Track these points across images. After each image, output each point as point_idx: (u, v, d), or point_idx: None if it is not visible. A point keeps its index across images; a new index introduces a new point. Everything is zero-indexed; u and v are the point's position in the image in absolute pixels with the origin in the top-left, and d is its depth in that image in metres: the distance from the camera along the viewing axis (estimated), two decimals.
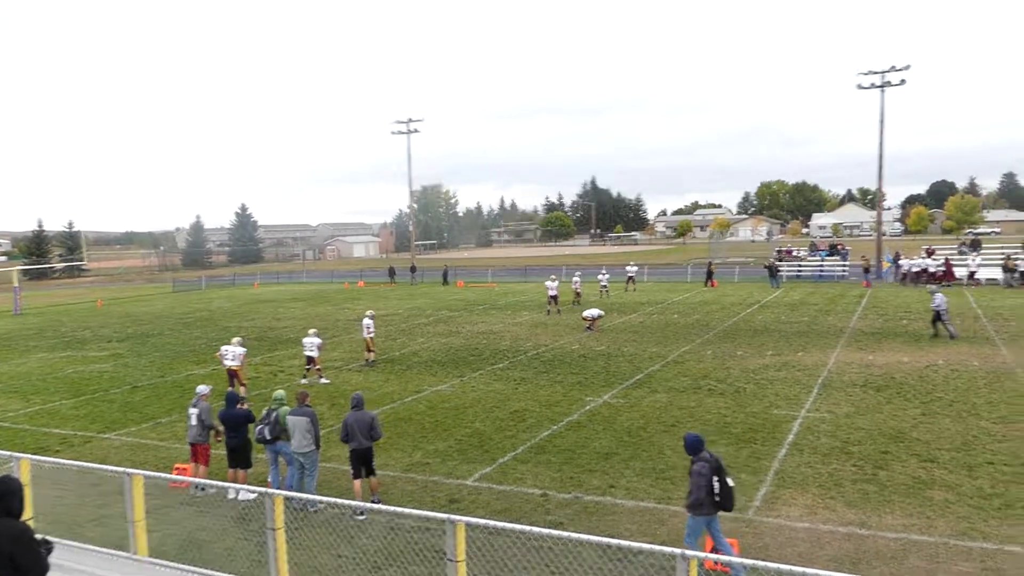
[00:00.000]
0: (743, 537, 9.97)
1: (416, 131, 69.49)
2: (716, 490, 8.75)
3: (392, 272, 65.22)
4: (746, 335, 27.56)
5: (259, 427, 12.16)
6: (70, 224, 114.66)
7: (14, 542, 5.07)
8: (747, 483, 12.12)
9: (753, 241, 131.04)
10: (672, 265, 69.32)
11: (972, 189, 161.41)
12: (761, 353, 23.73)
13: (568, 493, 11.99)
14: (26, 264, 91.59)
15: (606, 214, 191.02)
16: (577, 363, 23.04)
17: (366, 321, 24.10)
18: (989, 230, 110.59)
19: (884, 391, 18.05)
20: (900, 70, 49.37)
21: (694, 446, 9.12)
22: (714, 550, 8.86)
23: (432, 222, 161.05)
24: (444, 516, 6.77)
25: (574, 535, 6.42)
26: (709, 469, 8.79)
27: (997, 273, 44.42)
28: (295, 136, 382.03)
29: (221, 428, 12.50)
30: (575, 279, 41.47)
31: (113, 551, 8.41)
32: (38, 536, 5.31)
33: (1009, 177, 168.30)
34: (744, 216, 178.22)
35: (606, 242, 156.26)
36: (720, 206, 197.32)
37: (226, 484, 10.54)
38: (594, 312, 30.24)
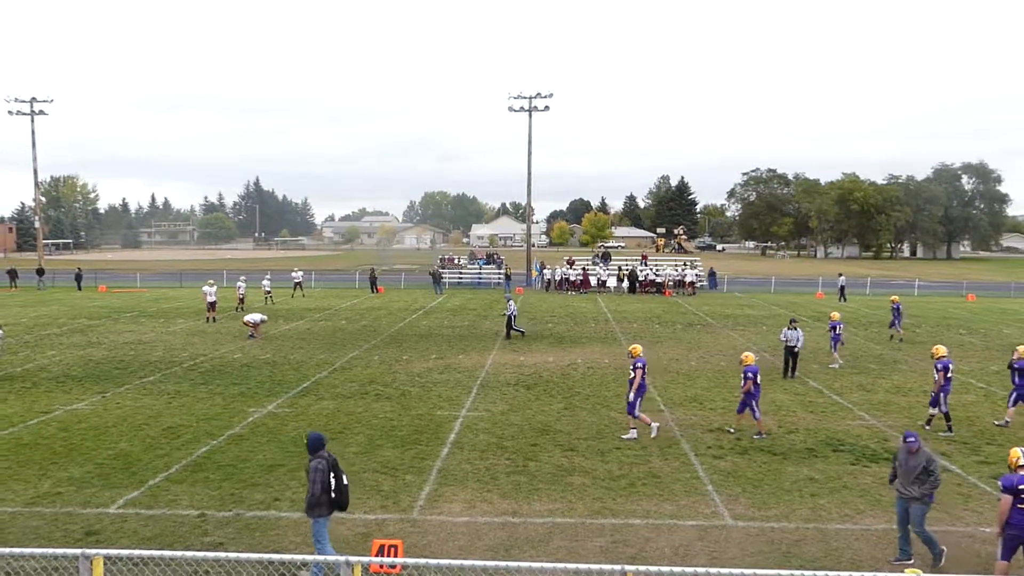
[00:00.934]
0: (408, 537, 10.24)
1: (43, 112, 60.51)
2: (332, 487, 8.94)
3: (13, 274, 55.93)
4: (412, 340, 28.46)
5: None
6: None
7: None
8: (412, 484, 12.50)
9: (419, 249, 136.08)
10: (340, 271, 69.18)
11: (603, 208, 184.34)
12: (425, 357, 24.66)
13: (229, 511, 11.31)
14: None
15: (271, 217, 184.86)
16: (240, 372, 21.88)
17: None
18: (617, 244, 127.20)
19: (533, 388, 19.83)
20: (545, 97, 54.89)
21: (314, 445, 9.25)
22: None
23: (66, 218, 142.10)
24: (77, 551, 5.99)
25: (232, 555, 6.07)
26: (327, 465, 8.99)
27: (615, 282, 51.38)
28: None
29: None
30: (239, 283, 39.36)
31: None
32: None
33: (631, 199, 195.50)
34: (410, 224, 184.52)
35: (272, 246, 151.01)
36: (387, 213, 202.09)
37: None
38: (256, 317, 28.98)
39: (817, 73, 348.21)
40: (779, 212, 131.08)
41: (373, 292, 49.49)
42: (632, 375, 15.18)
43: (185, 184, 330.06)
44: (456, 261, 62.38)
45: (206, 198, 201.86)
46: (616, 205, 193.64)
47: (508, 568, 5.94)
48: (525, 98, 54.76)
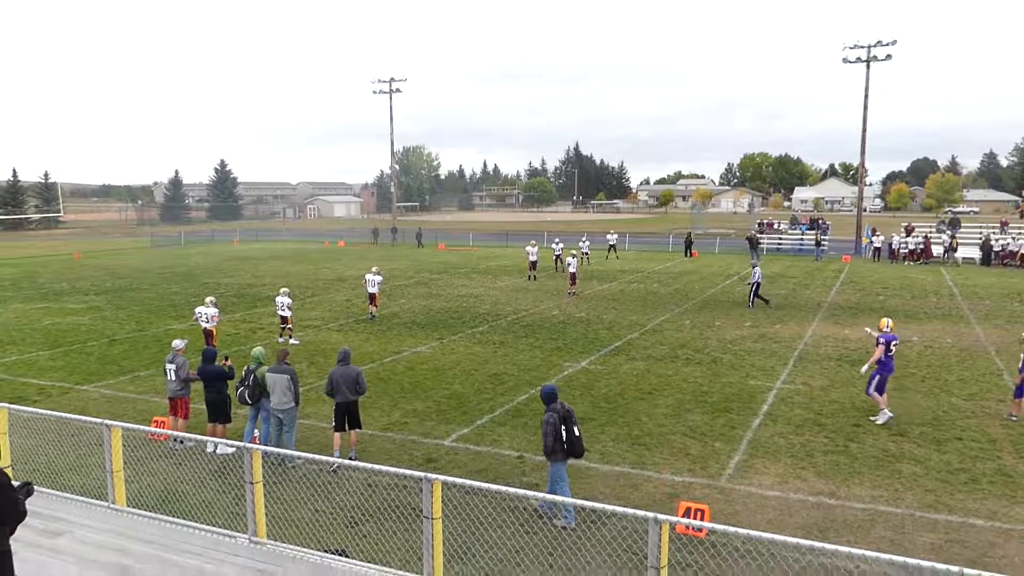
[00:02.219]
0: (715, 503, 10.16)
1: (399, 91, 68.61)
2: (563, 437, 9.42)
3: (376, 233, 65.09)
4: (724, 306, 27.80)
5: (239, 389, 12.18)
6: (46, 175, 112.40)
7: None
8: (720, 451, 12.33)
9: (735, 213, 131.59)
10: (653, 234, 69.49)
11: (953, 168, 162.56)
12: (739, 324, 23.96)
13: (544, 456, 12.12)
14: (0, 215, 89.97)
15: (589, 181, 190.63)
16: (557, 328, 23.16)
17: (373, 277, 24.86)
18: (968, 209, 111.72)
19: (858, 365, 18.29)
20: (886, 45, 49.37)
21: (548, 397, 9.81)
22: (551, 491, 9.55)
23: (414, 184, 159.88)
24: (421, 474, 6.85)
25: (549, 496, 6.51)
26: (557, 418, 9.46)
27: (975, 252, 45.00)
28: (276, 93, 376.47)
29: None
30: (556, 244, 41.44)
31: (91, 500, 8.43)
32: (20, 481, 5.31)
33: (990, 157, 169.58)
34: (726, 187, 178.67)
35: (588, 209, 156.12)
36: (703, 176, 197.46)
37: (204, 438, 10.57)
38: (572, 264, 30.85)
39: None
40: None
41: (687, 256, 49.06)
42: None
43: (513, 151, 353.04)
44: (775, 226, 59.34)
45: (530, 163, 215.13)
46: (970, 164, 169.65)
47: (825, 550, 5.62)
48: (863, 47, 49.83)
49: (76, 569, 7.01)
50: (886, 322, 14.45)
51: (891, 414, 13.84)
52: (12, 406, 9.30)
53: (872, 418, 13.91)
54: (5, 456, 8.46)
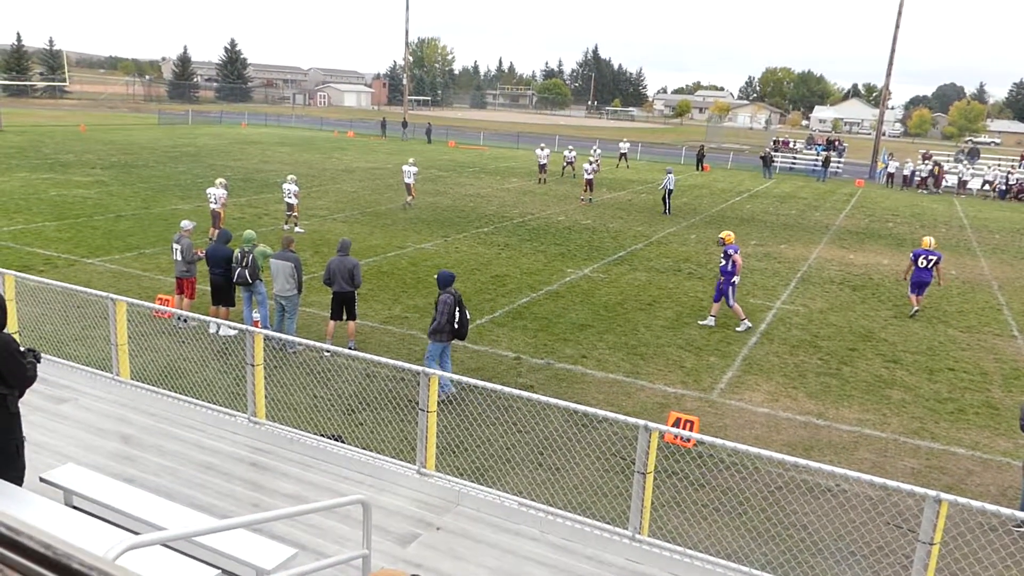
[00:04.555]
0: (704, 416, 10.37)
1: None
2: (456, 319, 10.17)
3: (384, 125, 64.01)
4: (732, 223, 27.62)
5: (237, 269, 12.22)
6: (50, 41, 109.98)
7: None
8: (715, 366, 12.51)
9: (751, 128, 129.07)
10: (667, 145, 68.38)
11: (980, 96, 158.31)
12: (744, 242, 23.86)
13: (541, 359, 12.32)
14: (5, 80, 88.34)
15: (605, 86, 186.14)
16: (562, 234, 23.11)
17: (409, 168, 26.15)
18: (989, 140, 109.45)
19: (860, 291, 18.38)
20: None
21: (445, 280, 10.49)
22: (442, 367, 10.24)
23: (427, 77, 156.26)
24: (419, 368, 6.97)
25: (542, 398, 6.63)
26: (453, 300, 10.19)
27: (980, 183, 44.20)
28: None
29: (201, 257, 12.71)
30: (569, 151, 40.87)
31: (96, 371, 8.61)
32: (26, 347, 5.39)
33: (1020, 87, 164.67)
34: (745, 102, 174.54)
35: (602, 115, 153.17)
36: (722, 88, 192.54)
37: (207, 318, 10.70)
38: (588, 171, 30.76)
39: None
40: None
41: (698, 170, 48.40)
42: (723, 262, 14.19)
43: (530, 48, 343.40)
44: (791, 145, 58.31)
45: (547, 63, 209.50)
46: (998, 94, 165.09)
47: (808, 467, 5.76)
48: None
49: (81, 434, 7.23)
50: (728, 234, 14.75)
51: (749, 323, 14.54)
52: (19, 274, 9.37)
53: (702, 322, 14.65)
54: (12, 322, 8.58)
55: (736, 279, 14.37)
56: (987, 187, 44.08)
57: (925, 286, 16.32)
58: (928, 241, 16.43)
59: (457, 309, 10.22)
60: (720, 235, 14.71)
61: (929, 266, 16.03)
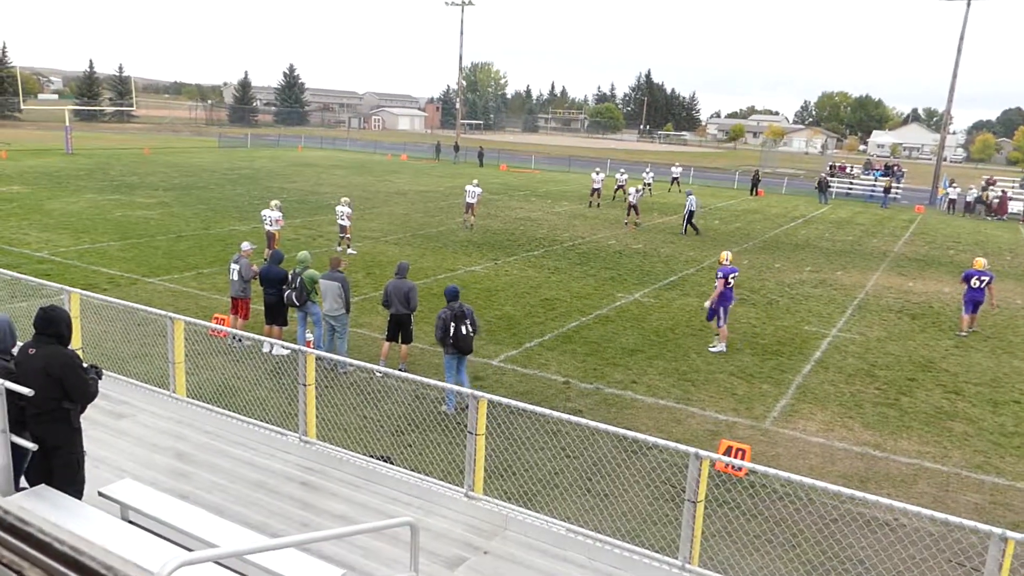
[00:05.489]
0: (756, 444, 10.16)
1: (471, 3, 67.20)
2: (451, 333, 10.36)
3: (438, 149, 64.90)
4: (786, 248, 27.19)
5: (286, 292, 12.44)
6: (120, 68, 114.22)
7: (64, 367, 5.33)
8: (768, 393, 12.25)
9: (807, 153, 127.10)
10: (720, 170, 67.73)
11: None
12: (799, 268, 23.46)
13: (590, 383, 12.24)
14: (77, 104, 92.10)
15: (657, 110, 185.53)
16: (612, 258, 23.01)
17: (473, 189, 26.71)
18: None
19: (920, 319, 17.86)
20: None
21: (449, 295, 10.71)
22: (458, 380, 10.58)
23: (479, 101, 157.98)
24: (468, 391, 6.98)
25: (591, 423, 6.57)
26: (449, 315, 10.44)
27: None
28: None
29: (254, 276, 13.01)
30: (621, 175, 40.80)
31: (154, 388, 8.84)
32: (88, 364, 5.58)
33: None
34: (800, 126, 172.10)
35: (655, 139, 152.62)
36: (777, 113, 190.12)
37: (262, 338, 10.92)
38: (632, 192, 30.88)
39: None
40: None
41: (752, 194, 47.81)
42: (729, 283, 14.14)
43: (582, 72, 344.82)
44: (848, 170, 57.20)
45: (599, 88, 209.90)
46: None
47: (865, 500, 5.59)
48: None
49: (138, 450, 7.41)
50: (725, 255, 14.68)
51: (724, 348, 14.25)
52: (84, 292, 9.71)
53: (711, 348, 14.34)
54: (76, 339, 8.87)
55: (730, 304, 14.51)
56: None
57: (979, 305, 16.34)
58: (981, 262, 16.54)
59: (454, 324, 10.43)
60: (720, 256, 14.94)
61: (982, 286, 16.10)
